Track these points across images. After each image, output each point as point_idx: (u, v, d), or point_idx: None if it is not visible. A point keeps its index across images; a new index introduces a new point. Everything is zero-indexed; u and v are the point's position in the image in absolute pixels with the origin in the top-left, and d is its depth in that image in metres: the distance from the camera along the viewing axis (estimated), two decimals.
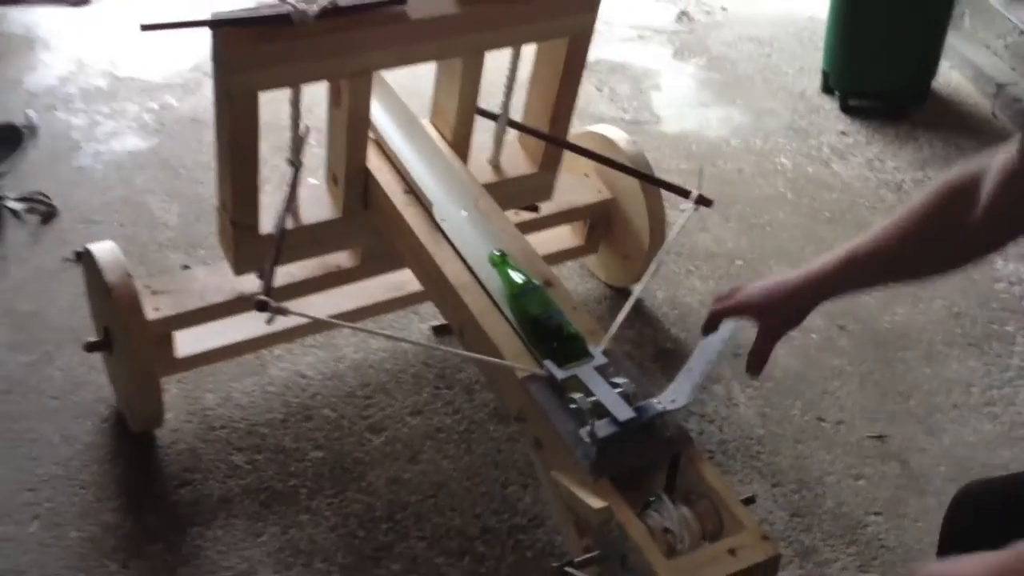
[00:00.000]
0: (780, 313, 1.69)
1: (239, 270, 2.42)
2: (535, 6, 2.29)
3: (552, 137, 2.54)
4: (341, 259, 2.60)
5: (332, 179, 2.45)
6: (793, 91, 4.15)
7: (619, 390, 1.80)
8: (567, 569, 1.67)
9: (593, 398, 1.77)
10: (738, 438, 2.64)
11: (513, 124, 2.56)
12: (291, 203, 2.34)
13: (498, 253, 2.08)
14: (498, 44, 2.35)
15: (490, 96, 2.54)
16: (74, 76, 3.96)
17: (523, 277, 2.02)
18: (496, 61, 2.44)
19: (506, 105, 2.53)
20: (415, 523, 2.38)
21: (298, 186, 2.35)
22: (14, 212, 3.21)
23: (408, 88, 2.60)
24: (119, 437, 2.55)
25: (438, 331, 2.88)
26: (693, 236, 3.28)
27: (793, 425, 2.69)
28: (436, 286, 2.17)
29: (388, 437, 2.58)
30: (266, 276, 2.10)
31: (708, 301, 2.82)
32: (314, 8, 2.03)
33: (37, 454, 2.49)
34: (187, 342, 2.53)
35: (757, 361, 1.74)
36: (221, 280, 2.50)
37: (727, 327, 1.80)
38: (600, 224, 2.97)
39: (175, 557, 2.28)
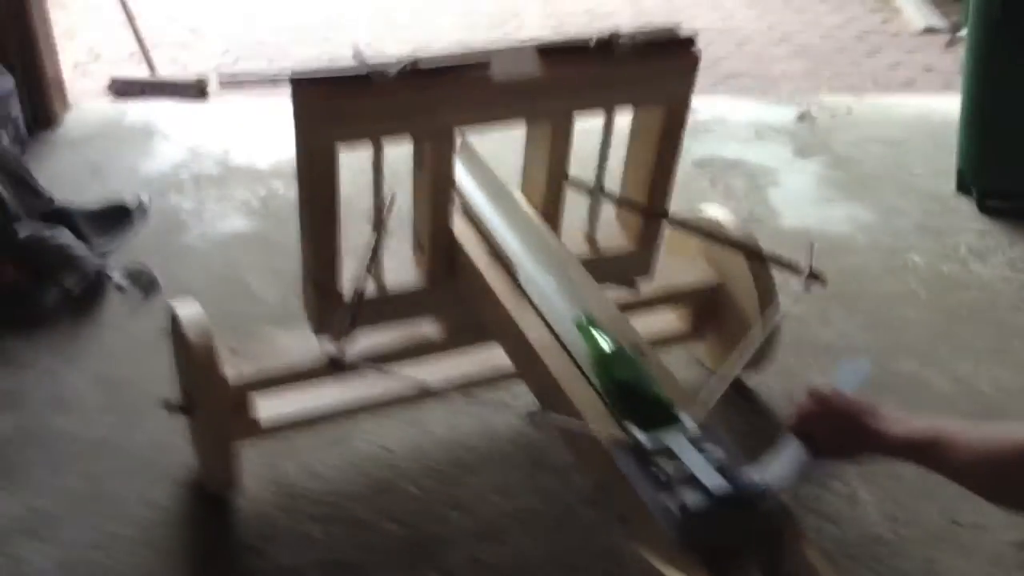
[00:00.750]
0: (841, 447, 1.56)
1: (320, 330, 2.33)
2: (624, 72, 2.19)
3: (647, 208, 2.41)
4: (428, 332, 2.49)
5: (418, 246, 2.37)
6: (925, 191, 3.93)
7: (713, 461, 1.62)
8: None
9: (682, 467, 1.60)
10: (860, 540, 2.38)
11: (607, 195, 2.44)
12: (373, 265, 2.26)
13: (585, 317, 1.95)
14: (586, 107, 2.25)
15: (589, 170, 2.44)
16: (187, 163, 4.04)
17: (611, 342, 1.88)
18: (592, 135, 2.35)
19: (600, 174, 2.41)
20: None
21: (380, 250, 2.27)
22: (118, 286, 3.22)
23: (498, 157, 2.53)
24: (196, 502, 2.45)
25: (533, 417, 2.72)
26: (813, 330, 3.07)
27: (923, 528, 2.42)
28: (519, 352, 2.05)
29: (473, 517, 2.41)
30: (341, 335, 2.01)
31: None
32: (393, 70, 1.98)
33: (111, 514, 2.41)
34: (268, 408, 2.44)
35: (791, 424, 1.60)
36: (304, 344, 2.41)
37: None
38: (706, 309, 2.80)
39: None
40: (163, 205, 3.71)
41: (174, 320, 2.34)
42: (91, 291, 3.17)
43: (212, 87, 4.68)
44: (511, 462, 2.57)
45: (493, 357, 2.58)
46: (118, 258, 3.36)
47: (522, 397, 2.73)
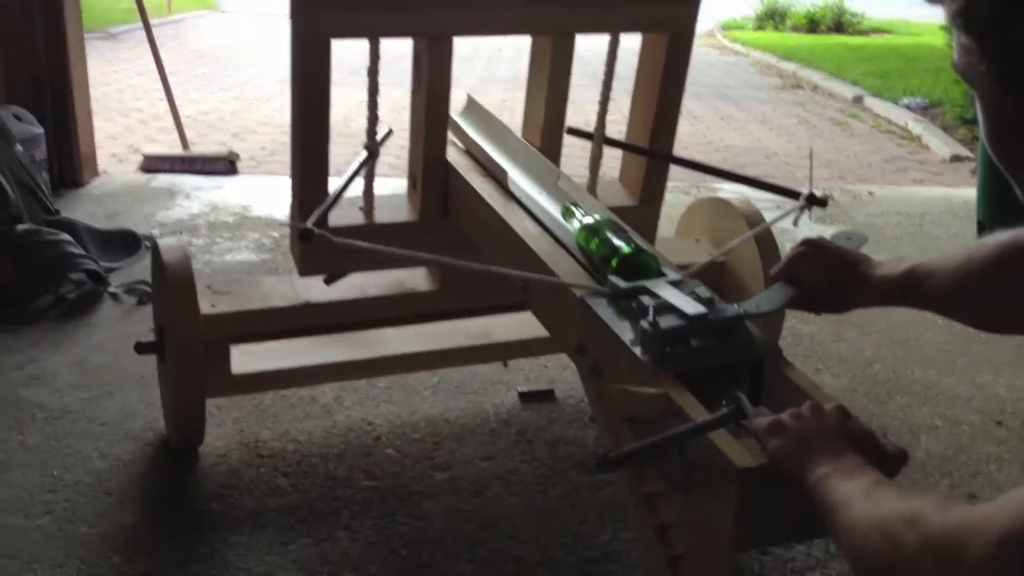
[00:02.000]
0: (828, 289, 1.47)
1: (304, 270, 2.23)
2: None
3: (651, 151, 2.34)
4: (418, 283, 2.39)
5: (411, 182, 2.29)
6: (945, 249, 3.81)
7: (692, 294, 1.51)
8: (610, 455, 1.31)
9: (659, 300, 1.48)
10: None
11: (609, 141, 2.38)
12: (367, 192, 2.20)
13: (570, 204, 1.86)
14: (587, 25, 2.22)
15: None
16: (206, 214, 4.04)
17: (596, 218, 1.79)
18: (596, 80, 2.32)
19: (601, 118, 2.36)
20: (467, 548, 1.99)
21: (373, 176, 2.21)
22: (113, 294, 3.16)
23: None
24: (159, 457, 2.30)
25: (525, 397, 2.58)
26: (827, 346, 2.94)
27: None
28: (505, 248, 1.94)
29: (452, 475, 2.24)
30: (320, 211, 1.91)
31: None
32: None
33: (69, 465, 2.26)
34: (244, 362, 2.32)
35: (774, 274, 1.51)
36: (287, 289, 2.32)
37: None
38: (712, 290, 2.68)
39: (187, 555, 1.96)
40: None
41: (155, 250, 2.26)
42: (86, 297, 3.11)
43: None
44: (500, 435, 2.41)
45: (486, 326, 2.49)
46: (120, 276, 3.31)
47: (516, 384, 2.62)
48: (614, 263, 1.62)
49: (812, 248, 1.48)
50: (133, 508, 2.11)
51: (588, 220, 1.76)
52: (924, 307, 1.46)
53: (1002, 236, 1.34)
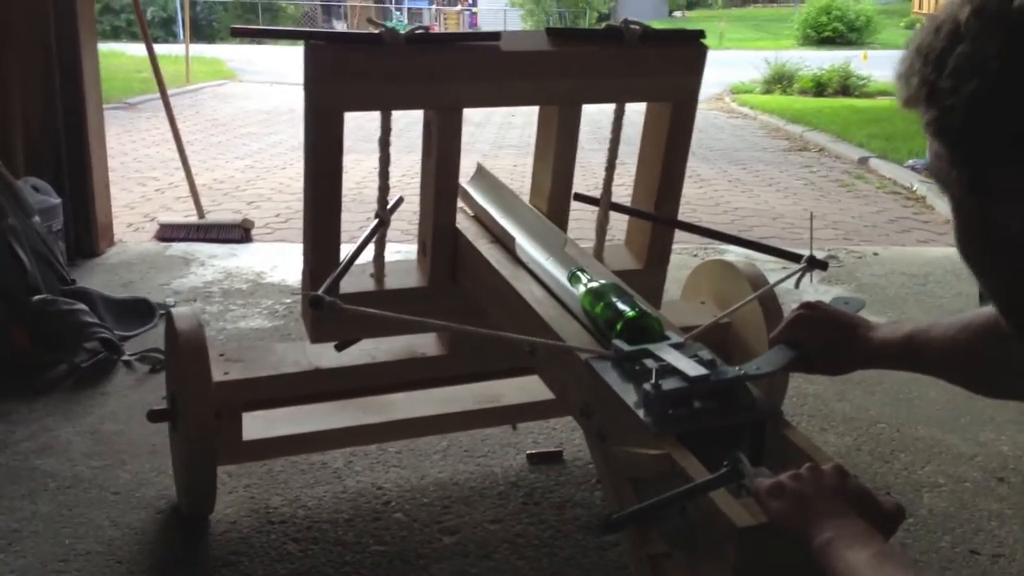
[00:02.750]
0: (827, 351, 1.49)
1: (316, 337, 2.27)
2: (630, 56, 2.23)
3: (655, 216, 2.38)
4: (428, 348, 2.42)
5: (421, 248, 2.34)
6: (948, 309, 3.86)
7: (695, 358, 1.54)
8: (613, 517, 1.33)
9: (662, 363, 1.52)
10: None
11: (616, 207, 2.43)
12: (378, 259, 2.24)
13: (576, 270, 1.90)
14: (594, 95, 2.27)
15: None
16: (220, 281, 4.10)
17: (600, 282, 1.83)
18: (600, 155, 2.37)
19: (607, 183, 2.41)
20: None
21: (384, 243, 2.26)
22: (126, 362, 3.21)
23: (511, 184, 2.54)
24: (170, 524, 2.32)
25: (534, 459, 2.60)
26: (831, 404, 2.95)
27: (940, 555, 2.23)
28: (512, 313, 1.98)
29: (461, 539, 2.25)
30: (331, 280, 1.96)
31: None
32: (405, 32, 2.04)
33: (81, 534, 2.28)
34: (256, 429, 2.35)
35: (774, 336, 1.54)
36: (299, 355, 2.36)
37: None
38: (716, 351, 2.71)
39: None
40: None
41: (168, 318, 2.30)
42: (99, 365, 3.15)
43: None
44: (508, 498, 2.42)
45: (495, 392, 2.52)
46: (134, 344, 3.36)
47: (525, 447, 2.64)
48: (618, 327, 1.66)
49: (811, 311, 1.52)
50: None
51: (593, 285, 1.80)
52: (924, 371, 1.49)
53: None
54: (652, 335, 1.65)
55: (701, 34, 2.27)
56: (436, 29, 2.12)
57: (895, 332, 1.46)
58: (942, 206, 6.34)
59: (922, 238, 5.52)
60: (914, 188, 6.89)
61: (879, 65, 14.83)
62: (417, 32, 2.05)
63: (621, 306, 1.71)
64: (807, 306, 1.53)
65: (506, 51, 2.11)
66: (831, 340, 1.49)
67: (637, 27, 2.18)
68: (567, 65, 2.19)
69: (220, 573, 2.14)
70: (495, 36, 2.13)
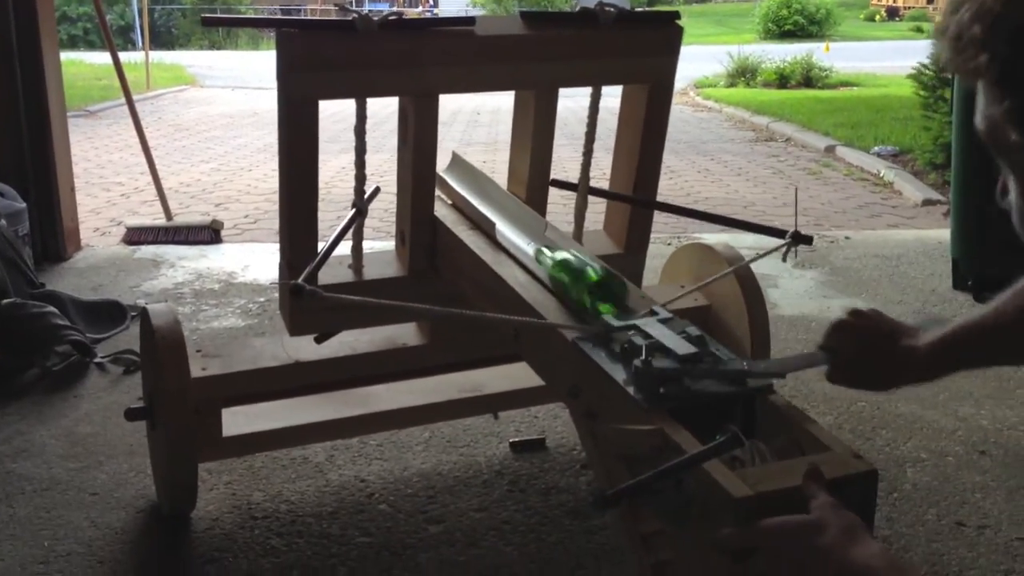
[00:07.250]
0: (869, 364, 1.43)
1: (294, 330, 2.25)
2: (606, 38, 2.22)
3: (635, 198, 2.38)
4: (408, 338, 2.40)
5: (400, 238, 2.32)
6: (923, 289, 3.89)
7: (683, 334, 1.53)
8: (608, 493, 1.32)
9: (651, 340, 1.51)
10: None
11: (594, 191, 2.42)
12: (356, 249, 2.22)
13: (540, 246, 1.89)
14: (570, 79, 2.26)
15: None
16: (191, 282, 4.05)
17: (579, 259, 1.82)
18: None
19: (586, 168, 2.40)
20: None
21: (362, 233, 2.24)
22: (99, 364, 3.16)
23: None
24: (151, 524, 2.29)
25: (517, 447, 2.59)
26: (810, 384, 2.95)
27: (927, 528, 2.24)
28: (495, 298, 1.96)
29: (447, 527, 2.24)
30: (310, 268, 1.93)
31: None
32: (378, 18, 2.02)
33: (60, 536, 2.24)
34: (235, 425, 2.32)
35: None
36: (277, 349, 2.33)
37: None
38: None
39: None
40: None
41: (145, 316, 2.27)
42: (72, 368, 3.11)
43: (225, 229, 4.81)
44: (493, 486, 2.41)
45: (477, 380, 2.50)
46: (106, 346, 3.31)
47: (507, 436, 2.62)
48: (591, 274, 1.66)
49: (855, 318, 1.45)
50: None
51: (559, 255, 1.79)
52: (978, 362, 1.47)
53: None
54: (619, 299, 1.65)
55: (676, 15, 2.26)
56: None
57: (941, 330, 1.39)
58: (910, 190, 6.40)
59: (892, 222, 5.56)
60: (881, 174, 6.95)
61: (841, 56, 14.99)
62: (390, 18, 2.03)
63: (601, 275, 1.71)
64: (853, 313, 1.46)
65: (481, 35, 2.09)
66: (869, 348, 1.42)
67: (612, 9, 2.17)
68: (543, 49, 2.17)
69: (204, 570, 2.11)
70: (470, 21, 2.12)
